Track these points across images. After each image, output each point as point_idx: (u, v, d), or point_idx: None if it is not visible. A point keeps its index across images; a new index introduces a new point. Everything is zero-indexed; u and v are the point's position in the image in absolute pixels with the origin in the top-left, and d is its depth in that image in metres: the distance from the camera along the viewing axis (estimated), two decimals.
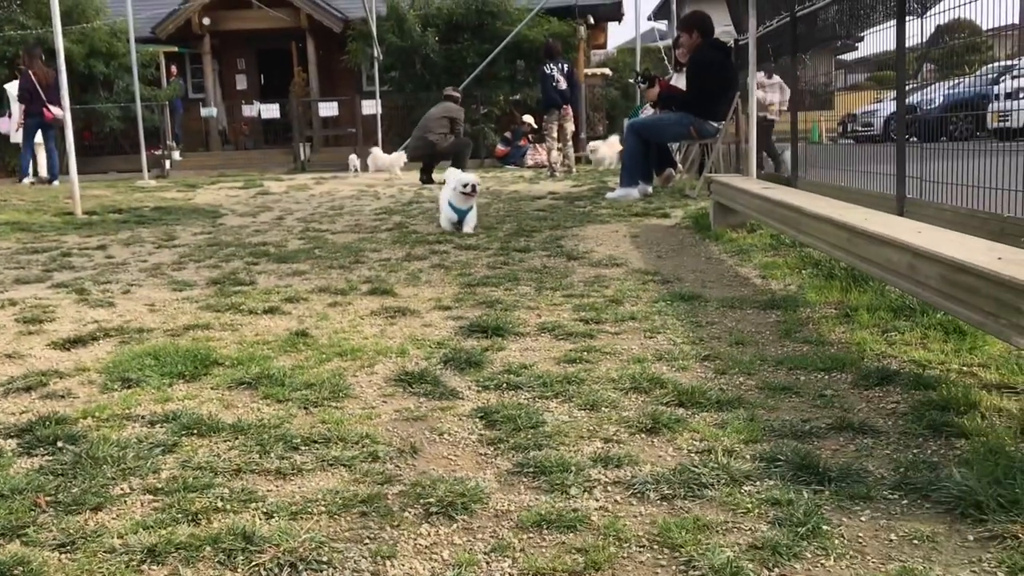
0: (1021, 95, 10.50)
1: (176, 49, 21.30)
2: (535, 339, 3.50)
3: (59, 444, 2.36)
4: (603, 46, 25.41)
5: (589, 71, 19.84)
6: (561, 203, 9.25)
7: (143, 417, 2.62)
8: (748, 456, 2.23)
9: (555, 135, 14.30)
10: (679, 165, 10.79)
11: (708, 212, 6.77)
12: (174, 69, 21.38)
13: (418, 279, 4.88)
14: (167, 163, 18.68)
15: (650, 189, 9.64)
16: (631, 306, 4.02)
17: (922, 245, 2.75)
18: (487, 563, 1.76)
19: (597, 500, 2.03)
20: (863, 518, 1.90)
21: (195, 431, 2.48)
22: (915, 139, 7.77)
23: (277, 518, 1.95)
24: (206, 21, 21.20)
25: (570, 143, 14.32)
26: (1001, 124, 8.63)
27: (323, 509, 2.00)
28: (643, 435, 2.42)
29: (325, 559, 1.77)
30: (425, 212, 8.71)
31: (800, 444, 2.28)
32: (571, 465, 2.19)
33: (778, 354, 3.14)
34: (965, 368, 2.85)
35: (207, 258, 6.00)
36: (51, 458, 2.30)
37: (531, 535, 1.87)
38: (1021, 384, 2.65)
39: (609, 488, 2.09)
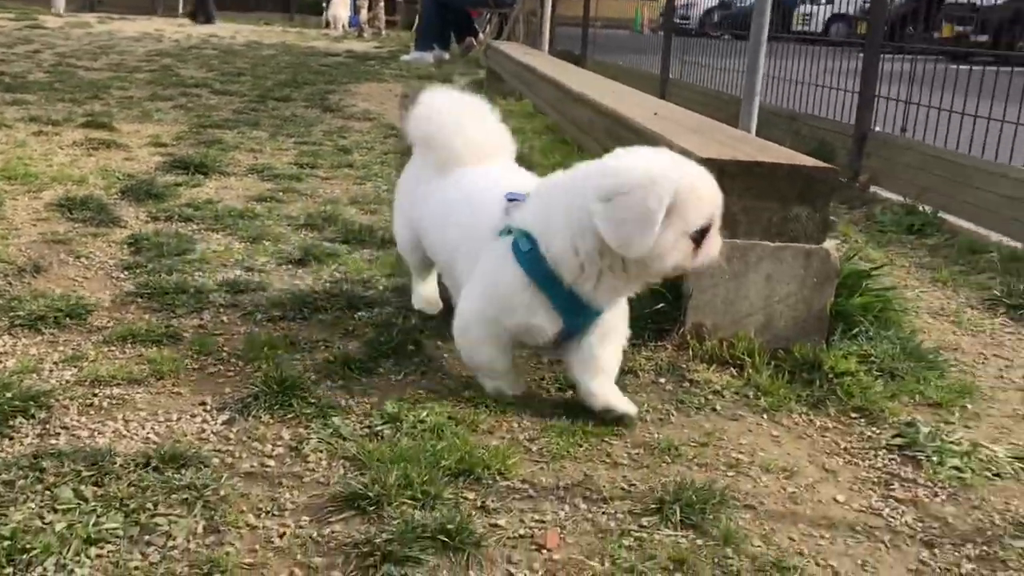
0: (822, 1, 10.91)
1: None
2: (240, 179, 3.38)
3: None
4: None
5: None
6: (352, 61, 8.95)
7: None
8: (381, 287, 2.25)
9: None
10: (480, 35, 10.63)
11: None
12: None
13: (150, 117, 4.61)
14: None
15: (446, 55, 9.47)
16: (358, 156, 3.95)
17: (599, 100, 2.81)
18: (50, 371, 1.70)
19: (201, 319, 1.99)
20: None
21: None
22: (727, 36, 7.89)
23: None
24: None
25: (381, 4, 13.83)
26: (803, 27, 8.99)
27: None
28: (289, 266, 2.39)
29: None
30: (201, 58, 8.20)
31: None
32: (193, 288, 2.14)
33: None
34: None
35: None
36: None
37: (112, 348, 1.82)
38: None
39: (221, 310, 2.05)
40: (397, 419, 1.54)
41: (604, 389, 1.61)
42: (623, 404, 1.60)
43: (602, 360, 1.62)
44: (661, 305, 1.95)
